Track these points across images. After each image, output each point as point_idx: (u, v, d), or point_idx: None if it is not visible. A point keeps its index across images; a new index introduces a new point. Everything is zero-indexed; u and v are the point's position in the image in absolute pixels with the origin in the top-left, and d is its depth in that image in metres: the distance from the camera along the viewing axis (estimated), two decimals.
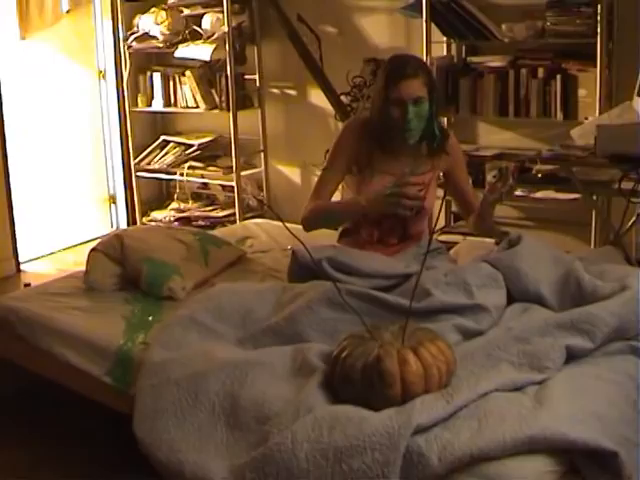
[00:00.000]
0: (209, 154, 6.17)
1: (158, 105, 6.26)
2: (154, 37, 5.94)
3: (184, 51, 5.81)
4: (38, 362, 3.29)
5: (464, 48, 5.17)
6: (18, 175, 5.62)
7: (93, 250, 3.59)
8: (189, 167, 6.11)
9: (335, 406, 2.32)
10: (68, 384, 3.19)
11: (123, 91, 6.27)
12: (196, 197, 6.41)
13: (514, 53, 4.84)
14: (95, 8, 6.16)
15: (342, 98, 5.34)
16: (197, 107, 6.05)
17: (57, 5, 5.81)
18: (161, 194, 6.71)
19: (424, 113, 3.18)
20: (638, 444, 2.16)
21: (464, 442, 2.11)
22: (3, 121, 5.43)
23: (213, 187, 6.37)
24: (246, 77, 5.96)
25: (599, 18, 4.37)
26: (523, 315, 2.85)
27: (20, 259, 5.66)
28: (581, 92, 4.62)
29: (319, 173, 3.46)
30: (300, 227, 3.27)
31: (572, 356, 2.50)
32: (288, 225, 2.68)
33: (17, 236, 5.61)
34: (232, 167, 5.88)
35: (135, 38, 6.05)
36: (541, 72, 4.73)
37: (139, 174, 6.36)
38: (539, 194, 4.55)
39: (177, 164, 6.17)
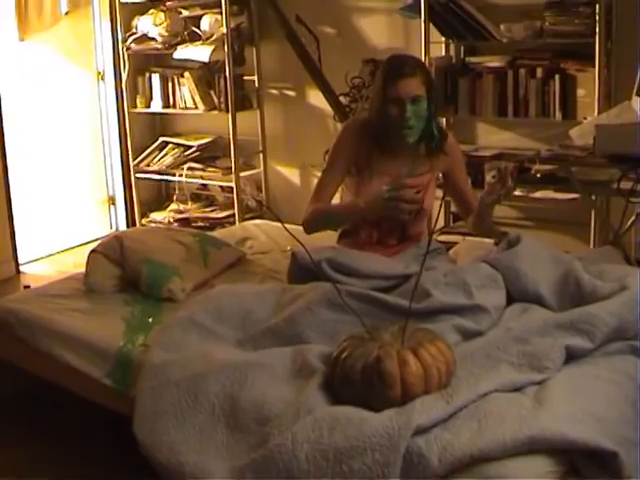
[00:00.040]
0: (208, 155, 6.18)
1: (157, 106, 6.26)
2: (153, 38, 5.94)
3: (183, 52, 5.81)
4: (38, 364, 3.29)
5: (463, 48, 5.17)
6: (17, 177, 5.62)
7: (93, 252, 3.59)
8: (188, 168, 6.11)
9: (335, 407, 2.33)
10: (68, 386, 3.19)
11: (122, 92, 6.27)
12: (195, 198, 6.41)
13: (513, 53, 4.84)
14: (94, 10, 6.17)
15: (341, 99, 5.34)
16: (196, 108, 6.05)
17: (56, 7, 5.81)
18: (160, 195, 6.71)
19: (422, 112, 3.18)
20: (638, 444, 2.16)
21: (464, 443, 2.11)
22: (2, 123, 5.43)
23: (212, 188, 6.38)
24: (245, 78, 5.97)
25: (598, 18, 4.37)
26: (522, 315, 2.85)
27: (20, 261, 5.66)
28: (580, 92, 4.62)
29: (318, 174, 3.47)
30: (299, 228, 3.27)
31: (572, 356, 2.50)
32: (287, 226, 2.68)
33: (17, 238, 5.61)
34: (231, 168, 5.89)
35: (134, 39, 6.06)
36: (540, 72, 4.73)
37: (138, 175, 6.37)
38: (538, 194, 4.55)
39: (176, 165, 6.17)
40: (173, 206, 6.36)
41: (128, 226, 6.48)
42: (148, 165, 6.31)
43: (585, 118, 4.41)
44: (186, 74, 6.00)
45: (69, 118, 6.15)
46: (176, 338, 2.86)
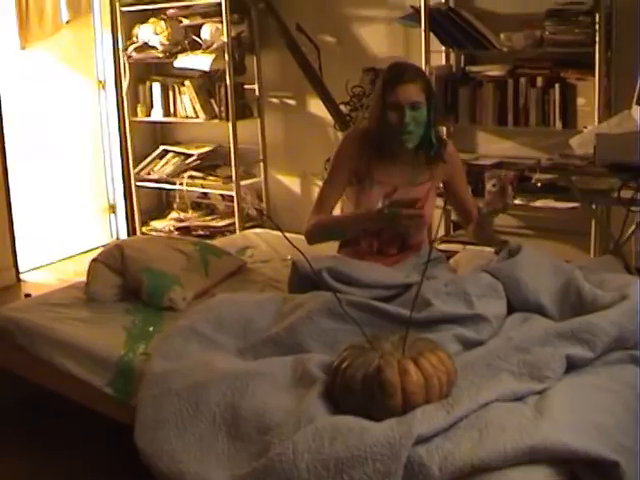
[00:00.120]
0: (209, 164, 6.19)
1: (158, 115, 6.27)
2: (153, 47, 5.96)
3: (183, 61, 5.83)
4: (39, 372, 3.29)
5: (463, 57, 5.18)
6: (18, 185, 5.63)
7: (94, 261, 3.59)
8: (189, 177, 6.13)
9: (336, 417, 2.32)
10: (69, 394, 3.19)
11: (123, 101, 6.29)
12: (196, 207, 6.42)
13: (513, 62, 4.85)
14: (95, 18, 6.19)
15: (341, 108, 5.34)
16: (197, 117, 6.06)
17: (57, 15, 5.83)
18: (161, 204, 6.72)
19: (422, 119, 3.18)
20: (638, 454, 2.16)
21: (465, 452, 2.10)
22: (3, 131, 5.44)
23: (213, 197, 6.39)
24: (245, 87, 5.98)
25: (598, 27, 4.37)
26: (523, 325, 2.85)
27: (20, 269, 5.67)
28: (580, 101, 4.62)
29: (319, 183, 3.48)
30: (300, 237, 3.27)
31: (572, 366, 2.50)
32: (288, 235, 2.68)
33: (17, 246, 5.61)
34: (232, 177, 5.89)
35: (135, 48, 6.08)
36: (540, 81, 4.74)
37: (139, 184, 6.38)
38: (538, 203, 4.54)
39: (177, 174, 6.18)
40: (173, 214, 6.38)
41: (128, 234, 6.49)
42: (149, 173, 6.32)
43: (585, 127, 4.42)
44: (187, 83, 6.01)
45: (70, 126, 6.17)
46: (177, 347, 2.86)
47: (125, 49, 6.12)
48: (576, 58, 4.59)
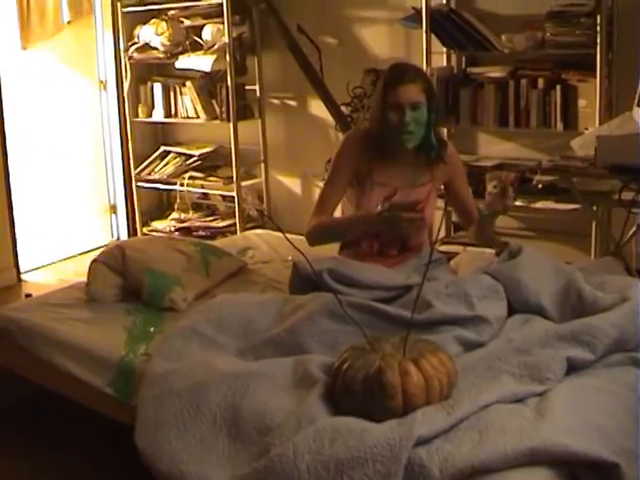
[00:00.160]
0: (209, 164, 6.19)
1: (159, 115, 6.28)
2: (155, 48, 5.96)
3: (185, 62, 5.83)
4: (39, 372, 3.29)
5: (464, 59, 5.18)
6: (19, 185, 5.63)
7: (94, 261, 3.59)
8: (189, 177, 6.13)
9: (336, 418, 2.32)
10: (69, 395, 3.19)
11: (124, 101, 6.28)
12: (196, 207, 6.42)
13: (514, 64, 4.85)
14: (96, 19, 6.19)
15: (342, 109, 5.34)
16: (197, 117, 6.07)
17: (58, 16, 5.83)
18: (161, 204, 6.72)
19: (422, 119, 3.18)
20: (639, 455, 2.15)
21: (465, 454, 2.10)
22: (4, 130, 5.44)
23: (213, 197, 6.38)
24: (246, 88, 5.98)
25: (599, 29, 4.38)
26: (524, 326, 2.85)
27: (21, 269, 5.67)
28: (581, 102, 4.63)
29: (319, 184, 3.48)
30: (300, 238, 3.27)
31: (573, 367, 2.50)
32: (289, 236, 2.68)
33: (18, 246, 5.61)
34: (232, 177, 5.89)
35: (136, 49, 6.09)
36: (541, 82, 4.74)
37: (140, 184, 6.38)
38: (539, 204, 4.53)
39: (177, 174, 6.18)
40: (174, 215, 6.38)
41: (129, 235, 6.48)
42: (149, 174, 6.32)
43: (586, 129, 4.41)
44: (188, 83, 6.02)
45: (71, 126, 6.17)
46: (178, 347, 2.86)
47: (126, 50, 6.12)
48: (577, 59, 4.60)
